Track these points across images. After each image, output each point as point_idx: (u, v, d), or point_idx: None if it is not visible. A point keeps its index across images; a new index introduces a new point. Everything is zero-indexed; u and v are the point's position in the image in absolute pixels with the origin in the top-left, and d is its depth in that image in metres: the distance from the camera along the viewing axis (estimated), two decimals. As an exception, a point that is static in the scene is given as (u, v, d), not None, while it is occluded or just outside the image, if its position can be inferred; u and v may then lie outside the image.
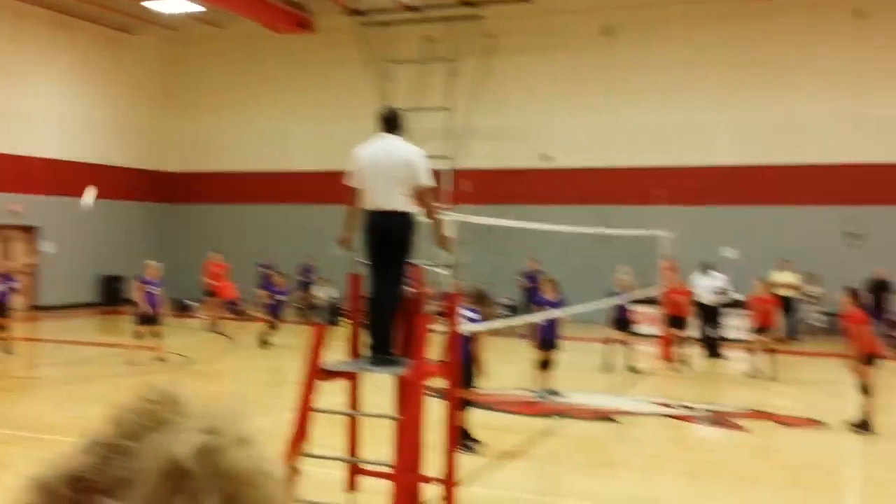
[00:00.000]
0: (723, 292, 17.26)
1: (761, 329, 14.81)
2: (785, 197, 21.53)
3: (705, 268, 17.55)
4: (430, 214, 6.52)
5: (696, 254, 18.60)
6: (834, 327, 20.59)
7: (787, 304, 19.91)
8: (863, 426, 9.98)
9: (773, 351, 14.68)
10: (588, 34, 23.33)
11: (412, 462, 6.14)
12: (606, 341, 14.96)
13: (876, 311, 19.42)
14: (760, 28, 22.06)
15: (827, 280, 19.94)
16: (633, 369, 14.72)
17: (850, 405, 10.85)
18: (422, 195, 6.45)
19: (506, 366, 12.56)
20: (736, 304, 19.25)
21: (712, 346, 17.13)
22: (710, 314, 17.23)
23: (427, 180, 6.49)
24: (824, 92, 21.48)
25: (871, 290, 19.38)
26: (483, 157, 21.91)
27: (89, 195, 19.00)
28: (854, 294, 10.40)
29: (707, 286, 17.17)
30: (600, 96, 23.27)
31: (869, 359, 9.87)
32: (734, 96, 22.41)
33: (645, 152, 23.12)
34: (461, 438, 7.83)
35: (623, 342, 14.86)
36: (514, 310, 19.74)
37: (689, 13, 22.52)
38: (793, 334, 19.97)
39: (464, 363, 7.89)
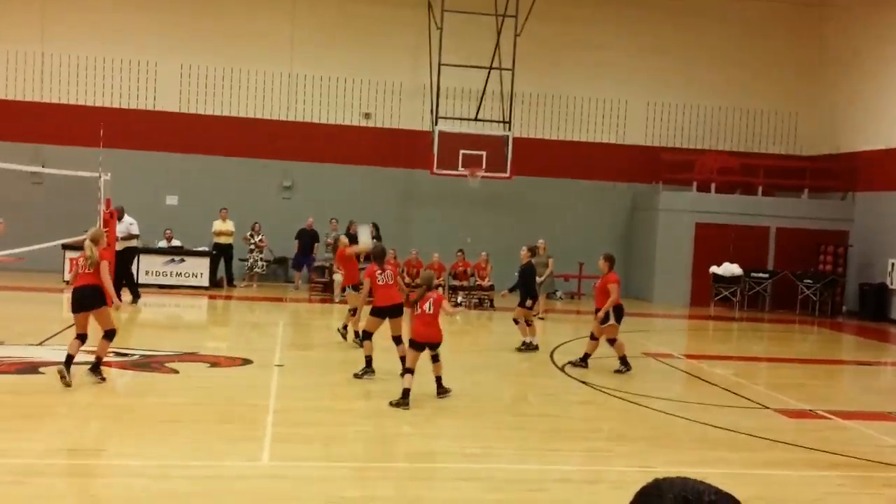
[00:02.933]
0: (132, 237, 17.11)
1: None
2: (228, 148, 22.32)
3: (120, 212, 17.11)
4: None
5: (138, 198, 18.37)
6: (275, 273, 22.20)
7: (227, 252, 20.91)
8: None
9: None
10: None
11: None
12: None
13: (304, 258, 21.38)
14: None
15: (266, 229, 21.26)
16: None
17: (277, 344, 11.78)
18: None
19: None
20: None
21: (134, 290, 17.09)
22: (123, 258, 16.86)
23: None
24: (263, 56, 22.64)
25: (298, 237, 21.09)
26: None
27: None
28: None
29: (121, 230, 16.78)
30: (30, 29, 21.78)
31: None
32: (187, 46, 22.41)
33: (84, 90, 22.15)
34: None
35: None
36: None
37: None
38: (232, 281, 20.92)
39: None
